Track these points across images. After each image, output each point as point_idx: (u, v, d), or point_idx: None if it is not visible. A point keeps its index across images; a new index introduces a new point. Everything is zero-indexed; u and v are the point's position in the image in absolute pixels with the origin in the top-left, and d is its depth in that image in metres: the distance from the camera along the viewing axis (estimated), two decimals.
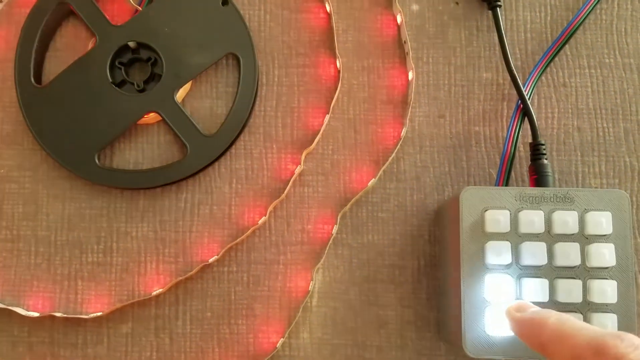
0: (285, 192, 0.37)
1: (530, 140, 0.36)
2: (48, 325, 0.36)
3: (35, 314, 0.36)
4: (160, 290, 0.36)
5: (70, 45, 0.40)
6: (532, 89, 0.38)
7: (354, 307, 0.37)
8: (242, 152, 0.38)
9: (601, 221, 0.31)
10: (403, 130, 0.38)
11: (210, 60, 0.38)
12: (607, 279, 0.31)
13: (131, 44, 0.38)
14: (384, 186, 0.38)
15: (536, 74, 0.38)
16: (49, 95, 0.38)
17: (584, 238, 0.31)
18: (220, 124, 0.38)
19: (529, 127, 0.36)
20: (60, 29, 0.40)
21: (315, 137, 0.38)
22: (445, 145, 0.38)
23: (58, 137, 0.37)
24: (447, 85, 0.39)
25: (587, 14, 0.39)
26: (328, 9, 0.40)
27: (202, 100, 0.39)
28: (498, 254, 0.31)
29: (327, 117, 0.38)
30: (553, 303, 0.30)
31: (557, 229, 0.31)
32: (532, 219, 0.31)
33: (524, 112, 0.36)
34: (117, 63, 0.38)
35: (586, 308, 0.31)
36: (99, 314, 0.36)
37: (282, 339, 0.36)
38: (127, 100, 0.38)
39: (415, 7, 0.40)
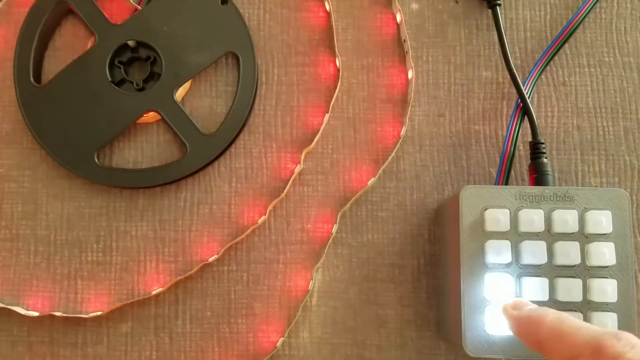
0: (285, 191, 0.37)
1: (530, 139, 0.36)
2: (47, 324, 0.36)
3: (35, 314, 0.36)
4: (160, 289, 0.36)
5: (70, 45, 0.39)
6: (532, 88, 0.38)
7: (354, 306, 0.37)
8: (241, 151, 0.38)
9: (601, 220, 0.31)
10: (403, 129, 0.38)
11: (209, 59, 0.38)
12: (607, 277, 0.31)
13: (130, 43, 0.38)
14: (383, 185, 0.38)
15: (536, 72, 0.38)
16: (48, 95, 0.38)
17: (583, 237, 0.31)
18: (219, 123, 0.38)
19: (528, 125, 0.36)
20: (60, 28, 0.40)
21: (314, 136, 0.38)
22: (445, 144, 0.38)
23: (57, 136, 0.37)
24: (447, 84, 0.39)
25: (587, 13, 0.39)
26: (327, 7, 0.39)
27: (202, 99, 0.39)
28: (498, 253, 0.31)
29: (327, 116, 0.38)
30: (553, 302, 0.30)
31: (557, 227, 0.31)
32: (532, 218, 0.31)
33: (524, 110, 0.36)
34: (116, 62, 0.38)
35: (586, 307, 0.31)
36: (99, 313, 0.36)
37: (282, 338, 0.36)
38: (127, 99, 0.38)
39: (414, 5, 0.40)
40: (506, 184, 0.36)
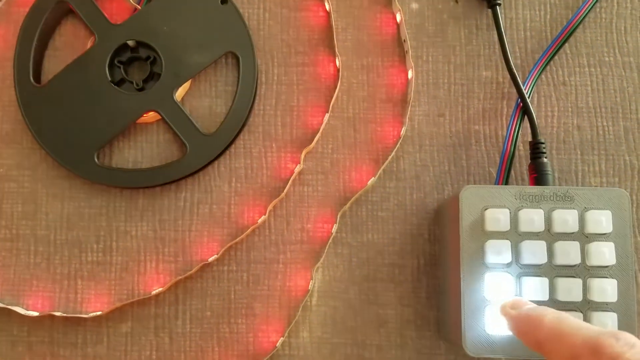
0: (285, 191, 0.37)
1: (530, 138, 0.36)
2: (47, 324, 0.36)
3: (35, 314, 0.36)
4: (160, 289, 0.36)
5: (69, 44, 0.39)
6: (532, 88, 0.38)
7: (354, 306, 0.37)
8: (241, 151, 0.38)
9: (601, 220, 0.31)
10: (402, 129, 0.38)
11: (209, 59, 0.38)
12: (607, 277, 0.31)
13: (130, 43, 0.38)
14: (383, 185, 0.38)
15: (536, 72, 0.38)
16: (48, 94, 0.38)
17: (584, 237, 0.31)
18: (219, 123, 0.38)
19: (528, 125, 0.36)
20: (59, 27, 0.40)
21: (314, 136, 0.38)
22: (444, 144, 0.38)
23: (57, 136, 0.37)
24: (447, 83, 0.39)
25: (587, 13, 0.39)
26: (327, 7, 0.39)
27: (202, 99, 0.39)
28: (498, 252, 0.31)
29: (327, 115, 0.38)
30: (553, 302, 0.30)
31: (557, 227, 0.31)
32: (532, 218, 0.31)
33: (524, 110, 0.36)
34: (116, 62, 0.38)
35: (586, 307, 0.30)
36: (99, 313, 0.36)
37: (281, 338, 0.36)
38: (126, 99, 0.38)
39: (414, 5, 0.40)
40: (506, 183, 0.36)
